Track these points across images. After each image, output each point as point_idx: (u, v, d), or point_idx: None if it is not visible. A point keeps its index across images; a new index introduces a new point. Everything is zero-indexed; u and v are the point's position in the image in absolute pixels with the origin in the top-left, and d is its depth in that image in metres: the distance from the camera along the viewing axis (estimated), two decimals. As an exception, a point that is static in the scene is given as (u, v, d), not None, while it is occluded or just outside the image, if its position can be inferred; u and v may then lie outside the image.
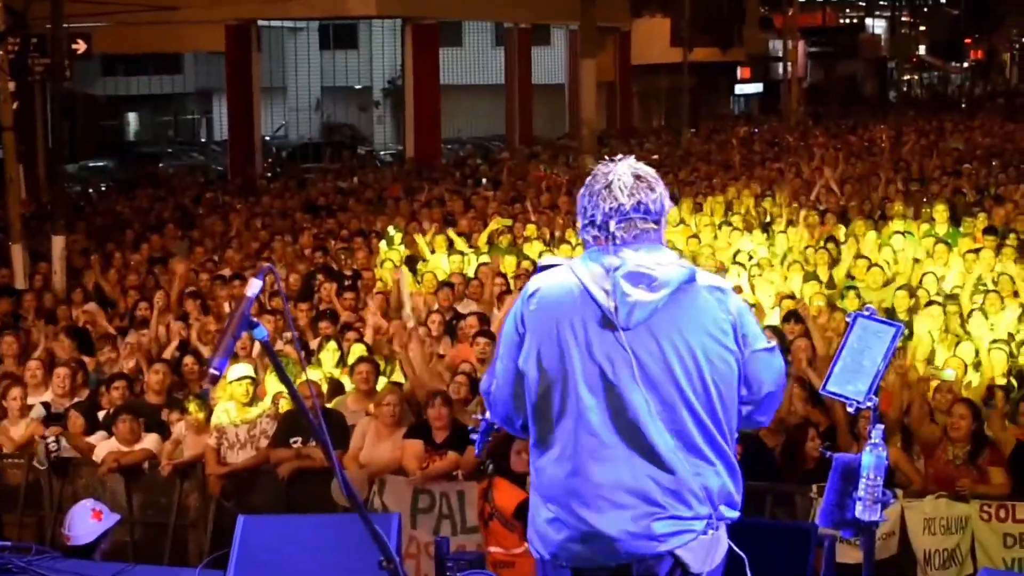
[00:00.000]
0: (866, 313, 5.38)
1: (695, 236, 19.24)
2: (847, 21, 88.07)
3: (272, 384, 12.37)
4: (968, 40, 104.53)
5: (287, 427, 11.57)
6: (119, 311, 16.63)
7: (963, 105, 68.46)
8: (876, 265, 16.26)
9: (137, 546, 11.61)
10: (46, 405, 12.76)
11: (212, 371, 4.17)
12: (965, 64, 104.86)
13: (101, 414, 12.54)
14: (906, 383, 11.52)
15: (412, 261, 18.58)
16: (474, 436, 5.71)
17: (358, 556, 6.26)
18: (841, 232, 19.08)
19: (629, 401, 4.76)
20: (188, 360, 13.30)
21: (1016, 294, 15.15)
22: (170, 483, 11.80)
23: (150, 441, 11.96)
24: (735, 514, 4.92)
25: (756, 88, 71.14)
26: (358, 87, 58.30)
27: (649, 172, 4.92)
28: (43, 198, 28.10)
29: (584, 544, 4.83)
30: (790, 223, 19.87)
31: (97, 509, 9.39)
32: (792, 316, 13.77)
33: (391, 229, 20.78)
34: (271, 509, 11.02)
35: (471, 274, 17.19)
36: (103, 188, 35.40)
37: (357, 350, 13.27)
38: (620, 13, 50.50)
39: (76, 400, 12.79)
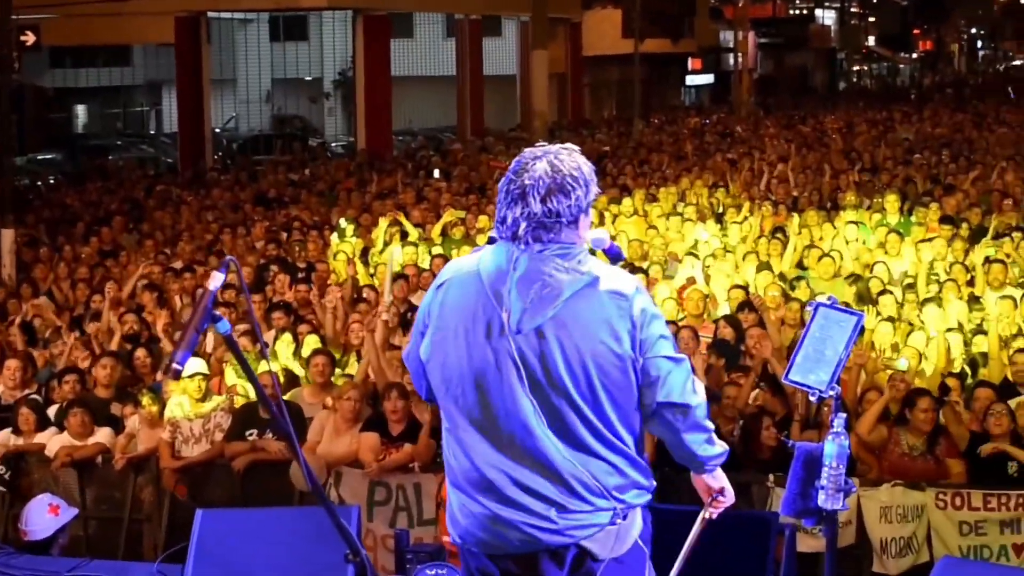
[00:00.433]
0: (828, 302, 5.37)
1: (652, 227, 19.25)
2: (797, 12, 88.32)
3: (232, 377, 12.30)
4: (917, 31, 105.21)
5: (243, 420, 11.51)
6: (68, 304, 16.48)
7: (912, 96, 68.76)
8: (827, 255, 16.30)
9: (91, 541, 11.50)
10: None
11: (174, 365, 4.12)
12: (914, 55, 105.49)
13: (53, 409, 12.42)
14: (864, 372, 11.58)
15: (363, 253, 18.50)
16: None
17: (316, 549, 6.23)
18: (794, 222, 19.15)
19: (518, 405, 4.76)
20: (140, 353, 13.20)
21: (969, 283, 15.22)
22: (124, 477, 11.70)
23: (103, 435, 11.86)
24: (645, 497, 4.95)
25: (707, 79, 71.29)
26: (309, 79, 58.01)
27: (568, 172, 4.78)
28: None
29: (489, 532, 4.88)
30: (746, 215, 19.92)
31: (54, 504, 9.31)
32: (746, 306, 13.82)
33: (343, 221, 20.68)
34: (226, 502, 10.95)
35: (425, 266, 17.14)
36: (52, 181, 35.09)
37: (311, 342, 13.22)
38: (571, 4, 50.50)
39: (26, 393, 12.69)
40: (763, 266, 16.14)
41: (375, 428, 11.22)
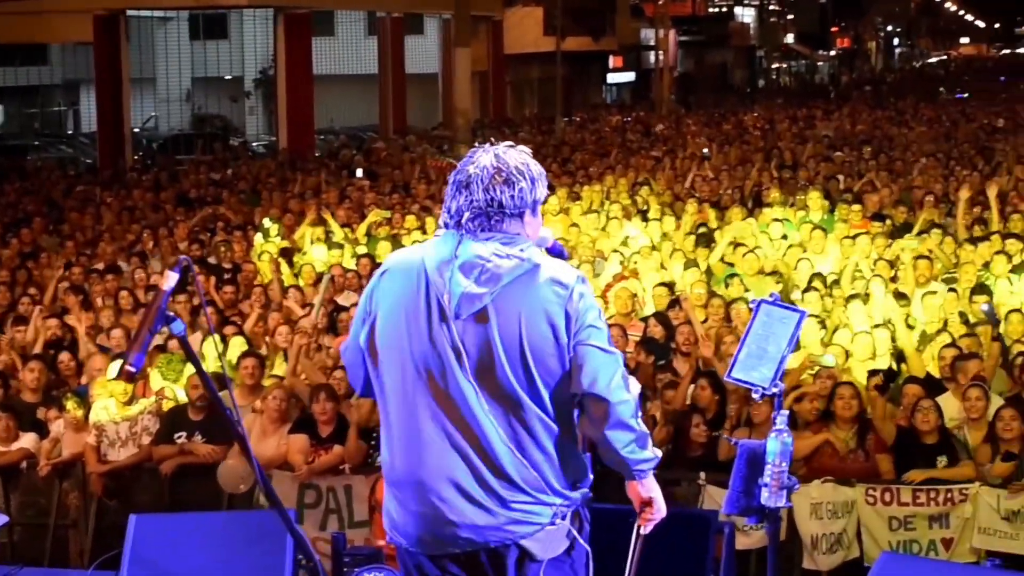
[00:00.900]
0: (770, 299, 5.36)
1: (574, 225, 19.24)
2: (716, 10, 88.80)
3: (157, 380, 12.16)
4: (835, 29, 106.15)
5: (171, 423, 11.39)
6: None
7: (832, 93, 69.37)
8: (752, 252, 16.35)
9: (16, 548, 11.34)
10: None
11: (128, 367, 4.06)
12: (832, 53, 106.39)
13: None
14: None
15: (287, 253, 18.36)
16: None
17: (252, 554, 6.16)
18: (713, 219, 19.25)
19: (460, 392, 4.78)
20: (64, 357, 13.04)
21: (894, 279, 15.31)
22: (49, 483, 11.54)
23: (28, 440, 11.70)
24: (582, 492, 4.96)
25: (628, 77, 71.52)
26: (229, 78, 57.68)
27: (514, 164, 4.87)
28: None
29: (428, 530, 4.87)
30: (672, 213, 19.98)
31: (-18, 511, 9.17)
32: (675, 303, 13.85)
33: (267, 221, 20.53)
34: (154, 506, 10.83)
35: (350, 266, 17.06)
36: (-32, 182, 34.62)
37: (237, 344, 13.11)
38: (493, 2, 50.46)
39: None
40: (690, 263, 16.16)
41: (304, 430, 11.14)
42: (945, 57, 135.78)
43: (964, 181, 20.96)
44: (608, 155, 30.78)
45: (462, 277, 4.75)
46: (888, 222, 18.28)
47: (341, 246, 18.28)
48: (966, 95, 57.83)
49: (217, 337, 13.33)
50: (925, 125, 37.51)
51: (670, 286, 14.99)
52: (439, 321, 4.78)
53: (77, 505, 11.57)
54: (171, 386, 12.11)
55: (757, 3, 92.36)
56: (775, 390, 5.23)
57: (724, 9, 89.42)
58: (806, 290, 14.71)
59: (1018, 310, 13.55)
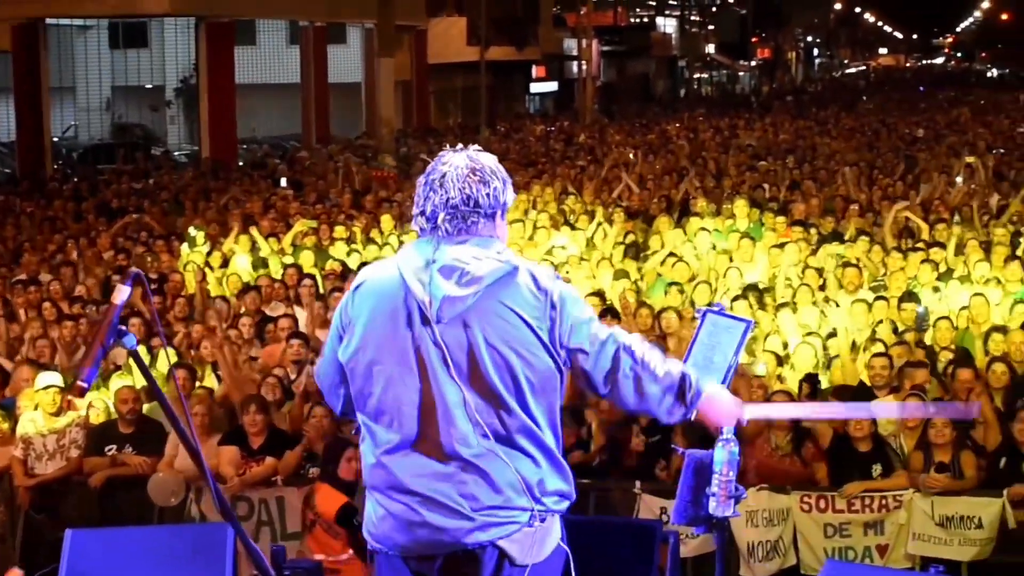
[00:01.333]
0: (715, 309, 5.35)
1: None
2: (638, 20, 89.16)
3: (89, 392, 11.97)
4: (755, 39, 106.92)
5: (101, 436, 11.24)
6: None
7: (754, 102, 69.83)
8: (682, 261, 16.38)
9: (-60, 563, 11.15)
10: None
11: (80, 383, 3.97)
12: (753, 63, 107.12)
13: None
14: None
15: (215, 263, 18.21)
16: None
17: (190, 569, 6.06)
18: (640, 229, 19.28)
19: (443, 395, 4.78)
20: (-12, 369, 12.86)
21: (822, 287, 15.38)
22: (-25, 496, 11.37)
23: (-47, 454, 11.52)
24: (564, 505, 4.95)
25: (551, 87, 71.62)
26: (150, 86, 57.18)
27: (487, 164, 4.92)
28: None
29: (406, 533, 4.87)
30: (598, 221, 19.98)
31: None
32: (608, 312, 13.82)
33: (192, 230, 20.36)
34: (84, 520, 10.67)
35: (276, 276, 16.94)
36: None
37: (168, 355, 12.93)
38: (416, 12, 50.37)
39: None
40: (620, 273, 16.15)
41: (235, 442, 11.03)
42: (864, 67, 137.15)
43: (888, 190, 21.14)
44: (533, 165, 30.79)
45: (442, 280, 4.74)
46: (814, 231, 18.37)
47: (266, 259, 18.15)
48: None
49: (171, 351, 13.11)
50: (847, 135, 37.79)
51: (601, 295, 14.98)
52: (421, 326, 4.78)
53: (4, 519, 11.39)
54: (100, 396, 11.94)
55: (678, 13, 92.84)
56: (723, 399, 5.20)
57: (646, 19, 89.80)
58: (735, 299, 14.74)
59: (946, 318, 13.67)
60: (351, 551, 9.26)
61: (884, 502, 10.45)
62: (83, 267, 18.22)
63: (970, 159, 25.06)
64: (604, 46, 74.99)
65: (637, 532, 6.51)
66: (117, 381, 12.22)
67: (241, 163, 37.10)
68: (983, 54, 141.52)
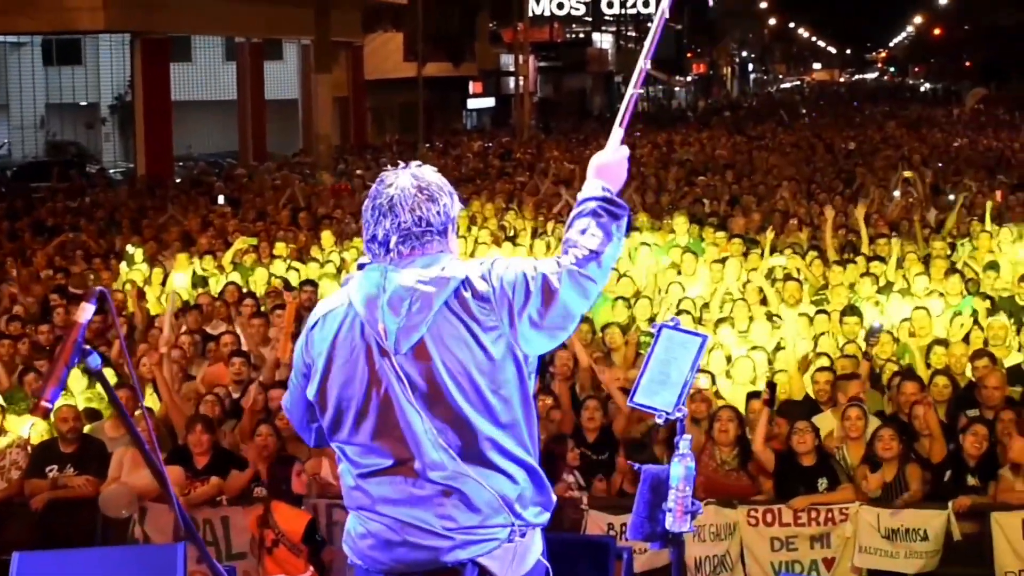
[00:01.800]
0: (671, 324, 5.33)
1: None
2: (574, 36, 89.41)
3: (13, 420, 11.84)
4: (690, 55, 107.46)
5: (42, 457, 11.10)
6: None
7: (691, 117, 70.19)
8: (625, 276, 16.39)
9: None
10: None
11: (44, 403, 3.89)
12: (688, 78, 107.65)
13: None
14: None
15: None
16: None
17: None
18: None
19: (410, 424, 4.73)
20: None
21: (763, 301, 15.42)
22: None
23: None
24: (544, 517, 4.92)
25: (488, 103, 71.70)
26: (84, 104, 56.80)
27: (433, 181, 4.85)
28: None
29: (388, 552, 4.83)
30: (536, 235, 19.99)
31: None
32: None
33: (129, 247, 20.19)
34: (25, 542, 10.51)
35: (216, 294, 16.82)
36: None
37: (107, 375, 12.78)
38: (353, 28, 50.30)
39: None
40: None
41: (179, 461, 10.92)
42: (799, 82, 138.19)
43: (828, 204, 21.27)
44: (472, 180, 30.78)
45: (391, 312, 4.69)
46: (756, 248, 18.41)
47: (206, 277, 18.03)
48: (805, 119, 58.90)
49: (112, 371, 12.97)
50: (784, 150, 38.04)
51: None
52: (380, 358, 4.73)
53: (-58, 543, 11.22)
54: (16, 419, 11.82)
55: (614, 29, 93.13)
56: (679, 415, 5.18)
57: (582, 35, 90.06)
58: (677, 314, 14.75)
59: (888, 331, 13.74)
60: (311, 569, 9.21)
61: (830, 515, 10.49)
62: (20, 286, 18.00)
63: (908, 173, 25.25)
64: (541, 62, 75.24)
65: (591, 548, 6.49)
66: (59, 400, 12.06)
67: (178, 180, 36.86)
68: (916, 69, 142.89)
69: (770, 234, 18.13)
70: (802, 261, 16.91)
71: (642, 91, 5.66)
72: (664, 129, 53.52)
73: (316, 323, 4.93)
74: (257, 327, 14.60)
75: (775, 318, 14.49)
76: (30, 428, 11.59)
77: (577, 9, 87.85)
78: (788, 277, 15.70)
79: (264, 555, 9.31)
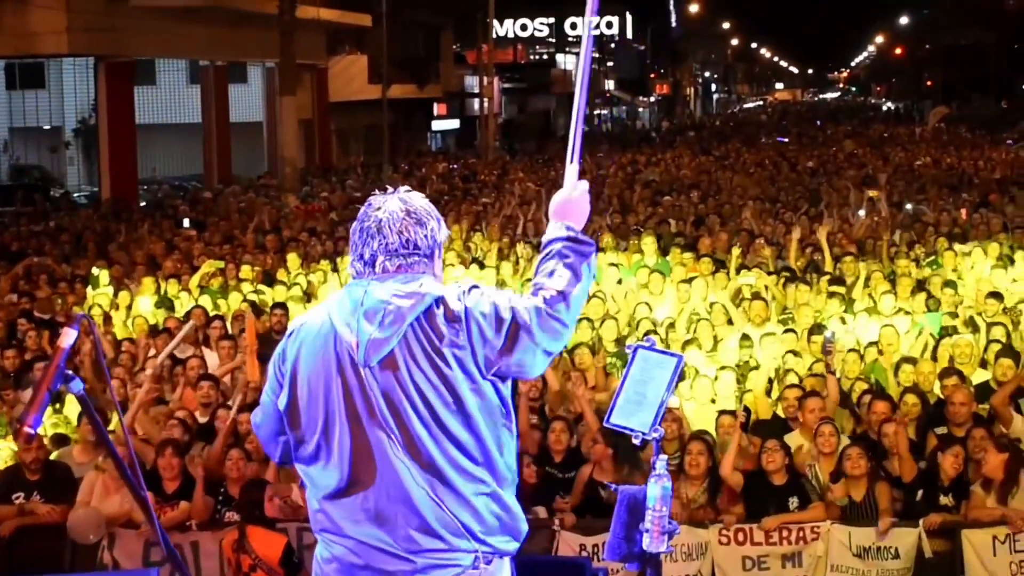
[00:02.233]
0: (647, 344, 5.34)
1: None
2: (538, 57, 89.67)
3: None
4: (654, 75, 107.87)
5: (7, 483, 11.03)
6: None
7: (654, 138, 70.37)
8: (595, 296, 16.39)
9: None
10: None
11: (27, 429, 3.87)
12: (652, 99, 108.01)
13: None
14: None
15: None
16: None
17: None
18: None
19: (376, 440, 4.72)
20: None
21: (730, 322, 15.45)
22: None
23: None
24: (513, 546, 4.88)
25: (453, 124, 71.75)
26: (48, 127, 56.56)
27: (421, 206, 4.90)
28: None
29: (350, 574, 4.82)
30: (502, 257, 20.01)
31: None
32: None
33: (94, 269, 20.12)
34: (-8, 570, 10.49)
35: (182, 317, 16.76)
36: None
37: (74, 398, 12.73)
38: (317, 50, 50.25)
39: None
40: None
41: (147, 486, 10.85)
42: (762, 102, 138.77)
43: (793, 223, 21.35)
44: (437, 202, 30.73)
45: (367, 324, 4.71)
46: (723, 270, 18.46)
47: (171, 300, 17.97)
48: (787, 139, 59.04)
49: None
50: (749, 169, 38.18)
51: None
52: (351, 370, 4.74)
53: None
54: (3, 443, 11.74)
55: (578, 51, 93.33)
56: (655, 435, 5.19)
57: (546, 56, 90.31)
58: (645, 335, 14.77)
59: (855, 350, 13.78)
60: (287, 592, 9.19)
61: (802, 534, 10.51)
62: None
63: (872, 193, 25.38)
64: (505, 83, 75.31)
65: (568, 570, 6.48)
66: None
67: (143, 204, 36.75)
68: (878, 88, 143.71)
69: (736, 252, 18.20)
70: (770, 279, 16.97)
71: (586, 128, 5.70)
72: (628, 149, 53.61)
73: (291, 334, 4.95)
74: (227, 349, 14.61)
75: (742, 338, 14.51)
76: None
77: (540, 31, 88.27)
78: (756, 296, 15.74)
79: (230, 578, 9.28)
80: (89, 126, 48.59)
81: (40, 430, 11.77)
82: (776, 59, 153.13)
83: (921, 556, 10.39)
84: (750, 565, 10.55)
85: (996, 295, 15.65)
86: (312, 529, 4.96)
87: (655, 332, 14.77)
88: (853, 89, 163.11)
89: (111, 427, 12.50)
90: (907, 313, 15.23)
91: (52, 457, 11.49)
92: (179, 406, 12.93)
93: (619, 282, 17.92)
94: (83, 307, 17.79)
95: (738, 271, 17.53)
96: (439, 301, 4.74)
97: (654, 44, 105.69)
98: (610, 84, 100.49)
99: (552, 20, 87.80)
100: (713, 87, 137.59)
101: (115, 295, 18.32)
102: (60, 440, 12.21)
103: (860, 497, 10.61)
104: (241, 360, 13.48)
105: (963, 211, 24.25)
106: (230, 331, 15.60)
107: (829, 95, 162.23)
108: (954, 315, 15.32)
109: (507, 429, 4.84)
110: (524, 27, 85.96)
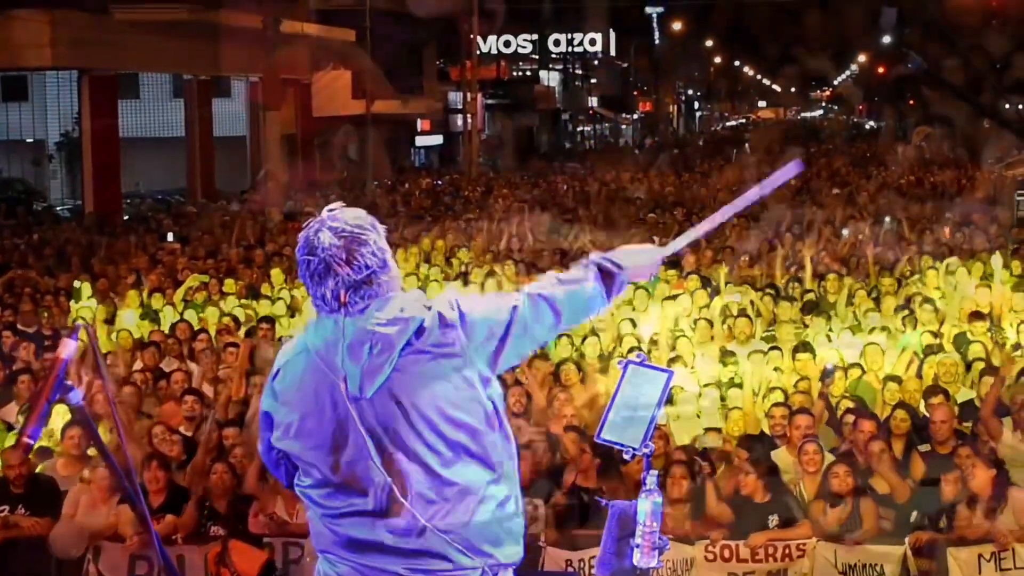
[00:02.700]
0: (637, 360, 5.35)
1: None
2: (521, 74, 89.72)
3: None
4: (637, 92, 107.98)
5: (-9, 496, 11.00)
6: None
7: (637, 154, 70.45)
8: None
9: None
10: None
11: (26, 440, 3.86)
12: (635, 116, 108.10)
13: None
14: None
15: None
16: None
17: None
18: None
19: (377, 469, 4.69)
20: None
21: (713, 338, 15.47)
22: None
23: None
24: (517, 557, 4.88)
25: (436, 140, 71.72)
26: (31, 140, 56.40)
27: (350, 223, 4.72)
28: None
29: None
30: (488, 273, 20.01)
31: None
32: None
33: (77, 283, 20.09)
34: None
35: (166, 331, 16.75)
36: None
37: (61, 412, 12.70)
38: (300, 65, 50.25)
39: None
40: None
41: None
42: (744, 120, 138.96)
43: (777, 240, 21.40)
44: (421, 218, 30.78)
45: (351, 359, 4.66)
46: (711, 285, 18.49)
47: (155, 314, 17.94)
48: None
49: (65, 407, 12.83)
50: (732, 187, 38.19)
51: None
52: (345, 403, 4.68)
53: None
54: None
55: (561, 67, 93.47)
56: (646, 450, 5.20)
57: (529, 73, 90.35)
58: (631, 350, 14.77)
59: (839, 367, 13.80)
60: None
61: (787, 551, 10.51)
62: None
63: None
64: (488, 99, 75.32)
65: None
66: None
67: (127, 217, 36.69)
68: (860, 107, 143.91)
69: (723, 270, 18.24)
70: (756, 294, 17.00)
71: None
72: (612, 166, 53.69)
73: (277, 374, 4.90)
74: (211, 363, 14.62)
75: (727, 355, 14.53)
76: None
77: (524, 47, 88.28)
78: (742, 313, 15.77)
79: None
80: (72, 139, 48.50)
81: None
82: (759, 77, 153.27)
83: (907, 574, 10.40)
84: (736, 582, 10.56)
85: (979, 315, 15.67)
86: (315, 547, 4.94)
87: (639, 348, 14.77)
88: (836, 108, 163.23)
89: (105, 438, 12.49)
90: (890, 331, 15.24)
91: (38, 470, 11.44)
92: (161, 420, 12.90)
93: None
94: (67, 320, 17.75)
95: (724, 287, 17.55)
96: (430, 317, 4.70)
97: (637, 61, 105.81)
98: (593, 101, 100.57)
99: (535, 37, 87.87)
100: (696, 105, 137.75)
101: (98, 308, 18.29)
102: (42, 453, 12.16)
103: (845, 515, 10.61)
104: (229, 376, 13.50)
105: (946, 229, 24.31)
106: (215, 344, 15.58)
107: (812, 113, 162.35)
108: (936, 334, 15.33)
109: (505, 439, 4.84)
110: (507, 44, 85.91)
